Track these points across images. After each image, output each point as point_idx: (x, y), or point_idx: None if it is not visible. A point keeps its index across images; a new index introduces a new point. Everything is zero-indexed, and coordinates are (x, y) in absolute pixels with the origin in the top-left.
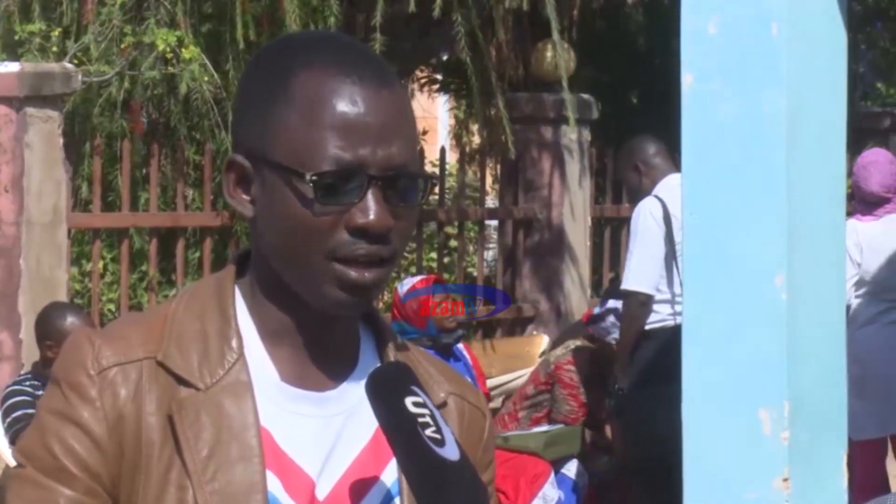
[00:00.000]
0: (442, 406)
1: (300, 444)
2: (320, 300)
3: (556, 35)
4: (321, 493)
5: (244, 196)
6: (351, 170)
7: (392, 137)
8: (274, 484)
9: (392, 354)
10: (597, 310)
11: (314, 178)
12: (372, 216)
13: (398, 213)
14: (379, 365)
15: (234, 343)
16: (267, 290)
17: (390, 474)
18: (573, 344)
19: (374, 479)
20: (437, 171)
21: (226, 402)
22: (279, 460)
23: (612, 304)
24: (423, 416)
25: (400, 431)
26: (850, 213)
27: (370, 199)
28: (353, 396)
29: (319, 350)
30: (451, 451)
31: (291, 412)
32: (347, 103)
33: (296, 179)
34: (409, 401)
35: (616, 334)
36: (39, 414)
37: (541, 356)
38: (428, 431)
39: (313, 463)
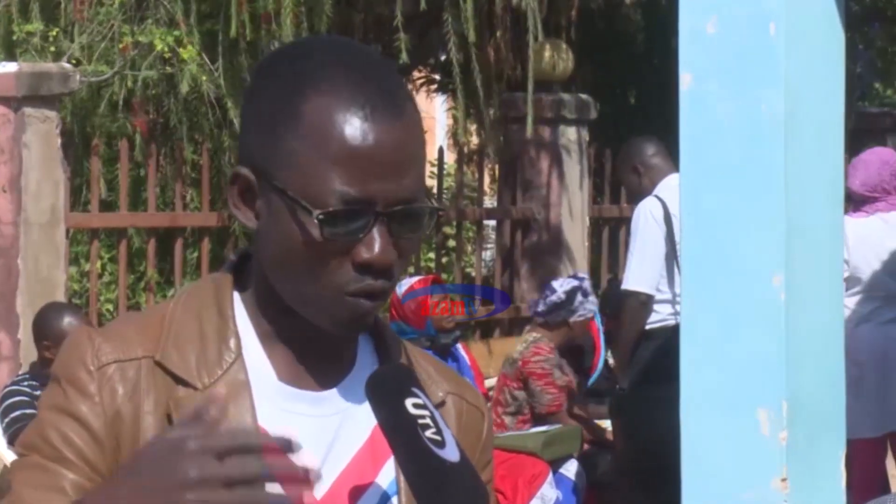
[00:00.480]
0: (440, 405)
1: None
2: (325, 325)
3: (530, 37)
4: (318, 492)
5: (248, 209)
6: (358, 208)
7: (402, 172)
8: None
9: (391, 355)
10: (553, 298)
11: (321, 216)
12: (377, 251)
13: (402, 244)
14: (377, 366)
15: (232, 343)
16: (265, 294)
17: (387, 474)
18: (531, 337)
19: (372, 479)
20: (435, 171)
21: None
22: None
23: (560, 284)
24: (423, 417)
25: (400, 433)
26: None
27: (375, 234)
28: (350, 396)
29: (317, 351)
30: (451, 453)
31: (289, 412)
32: (358, 138)
33: (302, 213)
34: (409, 402)
35: (590, 306)
36: (40, 411)
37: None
38: (428, 433)
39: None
